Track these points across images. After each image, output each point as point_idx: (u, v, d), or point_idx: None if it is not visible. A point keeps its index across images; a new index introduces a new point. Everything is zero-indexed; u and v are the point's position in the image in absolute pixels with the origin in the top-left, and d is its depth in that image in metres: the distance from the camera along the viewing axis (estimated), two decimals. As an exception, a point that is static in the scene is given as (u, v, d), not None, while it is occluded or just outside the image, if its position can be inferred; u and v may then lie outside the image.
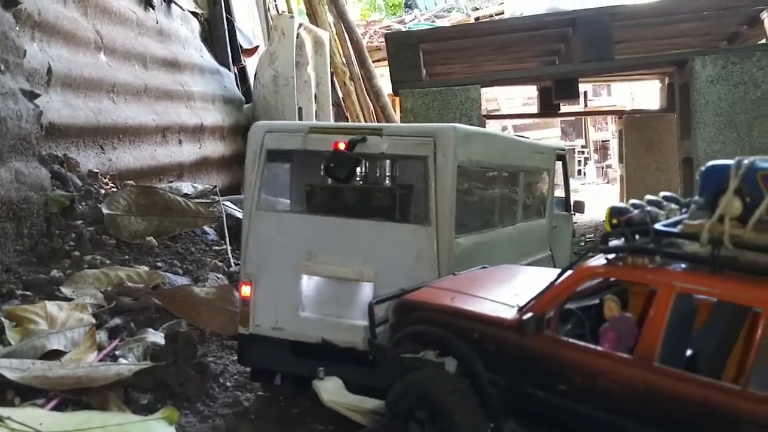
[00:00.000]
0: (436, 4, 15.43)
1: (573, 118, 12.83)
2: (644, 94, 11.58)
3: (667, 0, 3.58)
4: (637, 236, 0.99)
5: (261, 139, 1.47)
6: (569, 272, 1.03)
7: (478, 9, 13.35)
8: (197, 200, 2.61)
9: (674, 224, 0.97)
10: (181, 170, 3.66)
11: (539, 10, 5.26)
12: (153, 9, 3.91)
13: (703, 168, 0.96)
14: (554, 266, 1.62)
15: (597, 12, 3.53)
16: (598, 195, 11.32)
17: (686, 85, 3.60)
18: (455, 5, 14.63)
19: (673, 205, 1.04)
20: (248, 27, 6.44)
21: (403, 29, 13.05)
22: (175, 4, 4.32)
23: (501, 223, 1.40)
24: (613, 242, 1.00)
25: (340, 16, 7.18)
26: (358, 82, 7.24)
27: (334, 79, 7.24)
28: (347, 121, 7.65)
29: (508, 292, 1.15)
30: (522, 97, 13.14)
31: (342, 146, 1.34)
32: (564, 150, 1.90)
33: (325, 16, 6.97)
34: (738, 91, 3.42)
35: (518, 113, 10.58)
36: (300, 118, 4.73)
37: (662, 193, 1.09)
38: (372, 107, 7.11)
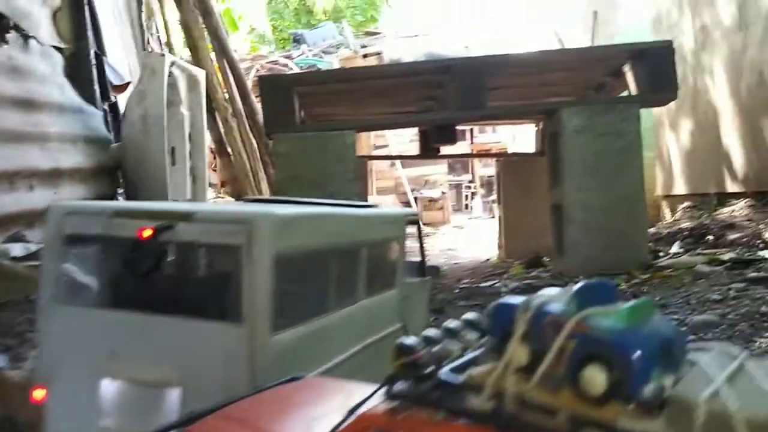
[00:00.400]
0: (324, 40, 15.44)
1: (452, 159, 13.07)
2: (525, 134, 12.01)
3: (539, 52, 3.71)
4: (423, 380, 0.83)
5: (59, 223, 1.31)
6: (351, 418, 0.83)
7: (365, 47, 13.50)
8: (30, 263, 2.35)
9: (464, 366, 0.82)
10: (32, 219, 3.38)
11: (418, 54, 5.33)
12: (6, 44, 3.63)
13: (492, 305, 0.83)
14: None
15: (471, 61, 3.59)
16: (483, 229, 11.54)
17: (555, 134, 3.69)
18: (344, 42, 14.72)
19: (472, 335, 0.92)
20: (124, 62, 6.17)
21: (290, 64, 12.97)
22: (34, 39, 4.04)
23: (338, 305, 1.29)
24: (399, 385, 0.83)
25: (222, 51, 7.01)
26: (241, 119, 7.07)
27: (216, 116, 7.05)
28: (230, 159, 7.46)
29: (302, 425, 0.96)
30: (411, 132, 13.34)
31: (147, 233, 1.19)
32: (416, 215, 1.84)
33: (206, 50, 6.80)
34: (602, 141, 3.53)
35: (398, 155, 10.68)
36: (172, 159, 4.52)
37: (465, 316, 0.95)
38: (255, 144, 6.96)
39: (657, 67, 3.61)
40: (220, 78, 7.24)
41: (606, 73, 4.10)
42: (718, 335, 2.10)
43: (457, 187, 24.81)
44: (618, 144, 3.51)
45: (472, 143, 24.42)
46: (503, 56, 3.98)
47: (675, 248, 4.12)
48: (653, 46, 3.74)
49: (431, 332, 0.87)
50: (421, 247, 1.80)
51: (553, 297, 0.80)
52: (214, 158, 8.15)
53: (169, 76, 4.59)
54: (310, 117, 4.65)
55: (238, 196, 7.23)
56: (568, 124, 3.55)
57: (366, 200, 5.38)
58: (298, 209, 1.28)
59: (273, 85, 3.58)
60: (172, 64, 4.83)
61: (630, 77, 3.83)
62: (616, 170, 3.50)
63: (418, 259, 1.81)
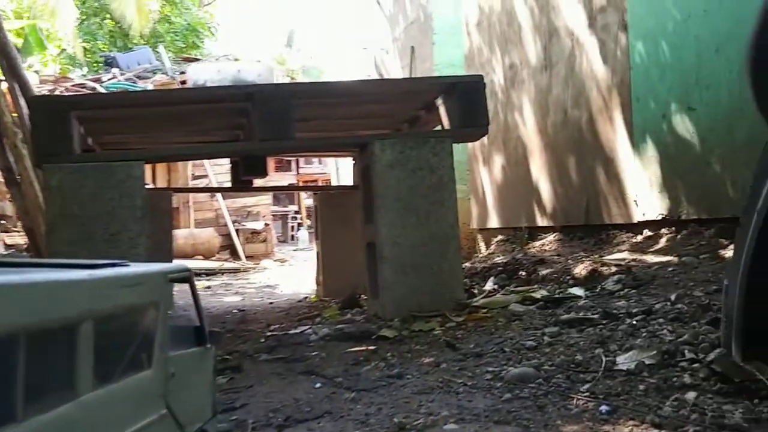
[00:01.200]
0: (139, 64, 14.59)
1: (267, 193, 12.76)
2: (347, 165, 11.96)
3: (350, 82, 3.53)
4: None
5: None
6: None
7: (184, 72, 12.86)
8: None
9: None
10: None
11: (224, 79, 4.98)
12: None
13: None
14: (177, 426, 1.18)
15: (275, 88, 3.30)
16: (308, 261, 11.31)
17: (368, 168, 3.47)
18: (161, 67, 13.98)
19: None
20: None
21: (99, 88, 12.05)
22: None
23: (36, 410, 0.88)
24: None
25: (12, 70, 6.28)
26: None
27: (4, 141, 6.27)
28: (19, 188, 6.65)
29: None
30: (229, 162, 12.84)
31: None
32: (186, 270, 1.29)
33: (-9, 69, 6.05)
34: (416, 176, 3.36)
35: (205, 187, 10.18)
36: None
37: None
38: (47, 174, 6.22)
39: (468, 102, 3.53)
40: (9, 100, 6.50)
41: (419, 106, 3.98)
42: (534, 390, 1.93)
43: (283, 217, 24.49)
44: (431, 179, 3.37)
45: (298, 174, 24.25)
46: (312, 84, 3.74)
47: (489, 284, 4.06)
48: (464, 80, 3.66)
49: None
50: (198, 309, 1.42)
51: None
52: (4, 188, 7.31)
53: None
54: (99, 145, 4.13)
55: (30, 232, 6.49)
56: (380, 158, 3.35)
57: (168, 239, 4.89)
58: None
59: (46, 108, 3.07)
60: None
61: (442, 111, 3.72)
62: (430, 206, 3.35)
63: (195, 324, 1.44)
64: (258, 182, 5.78)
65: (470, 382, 2.10)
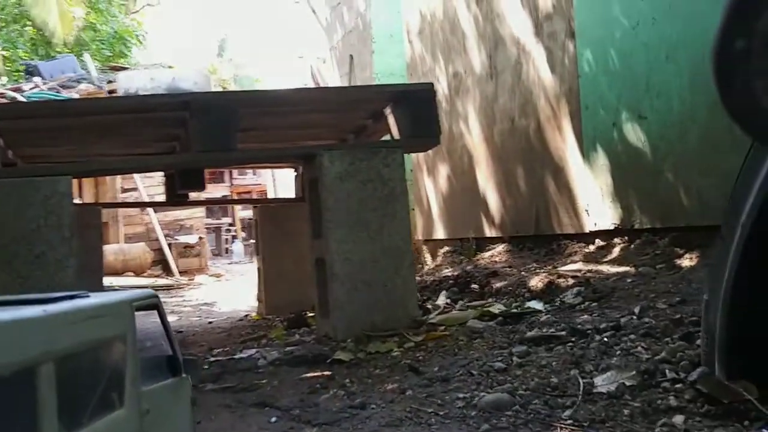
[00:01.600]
0: (63, 73, 13.99)
1: (202, 207, 12.42)
2: (287, 177, 11.72)
3: (293, 89, 3.36)
4: None
5: None
6: None
7: (112, 82, 12.35)
8: None
9: None
10: None
11: (158, 87, 4.72)
12: None
13: None
14: None
15: (214, 97, 3.10)
16: (244, 275, 11.05)
17: (315, 180, 3.29)
18: (87, 76, 13.42)
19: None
20: None
21: (19, 98, 11.46)
22: None
23: None
24: None
25: None
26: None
27: None
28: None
29: None
30: (162, 175, 12.42)
31: None
32: (153, 296, 1.15)
33: None
34: (367, 188, 3.21)
35: (141, 201, 9.78)
36: None
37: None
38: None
39: (419, 111, 3.40)
40: None
41: (366, 115, 3.83)
42: (512, 419, 1.79)
43: (217, 230, 23.97)
44: (383, 191, 3.22)
45: (231, 185, 23.77)
46: (254, 92, 3.55)
47: (442, 299, 3.93)
48: (414, 88, 3.54)
49: None
50: (169, 336, 1.25)
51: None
52: None
53: None
54: (21, 159, 3.81)
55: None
56: (329, 170, 3.18)
57: (97, 256, 4.59)
58: None
59: (-41, 118, 2.78)
60: None
61: (391, 120, 3.58)
62: (382, 220, 3.20)
63: (166, 353, 1.27)
64: (193, 195, 5.52)
65: (441, 411, 1.95)
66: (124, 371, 0.97)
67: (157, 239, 11.78)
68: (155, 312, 1.13)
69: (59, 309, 0.81)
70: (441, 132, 3.47)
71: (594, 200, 3.90)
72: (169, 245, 11.89)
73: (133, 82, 4.91)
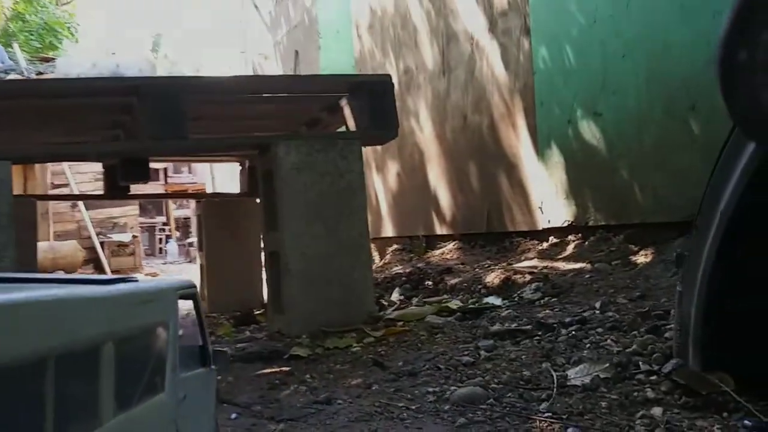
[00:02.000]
0: (-11, 63, 13.36)
1: (144, 200, 12.05)
2: (226, 174, 11.46)
3: (249, 77, 3.23)
4: None
5: None
6: None
7: (42, 73, 11.84)
8: None
9: None
10: None
11: (101, 74, 4.50)
12: None
13: None
14: None
15: (166, 81, 2.95)
16: (181, 274, 10.70)
17: (270, 172, 3.18)
18: (15, 67, 12.85)
19: None
20: None
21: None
22: None
23: None
24: None
25: None
26: None
27: None
28: None
29: None
30: (95, 170, 11.98)
31: None
32: (192, 286, 1.15)
33: None
34: (325, 181, 3.12)
35: (80, 194, 9.41)
36: None
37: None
38: None
39: (377, 103, 3.33)
40: None
41: (321, 107, 3.73)
42: (488, 413, 1.73)
43: (151, 229, 23.35)
44: (340, 184, 3.13)
45: (165, 184, 23.21)
46: (208, 79, 3.41)
47: (395, 295, 3.87)
48: (372, 79, 3.46)
49: None
50: (202, 327, 1.22)
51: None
52: None
53: None
54: (-49, 144, 3.56)
55: None
56: (285, 161, 3.08)
57: (32, 251, 4.34)
58: None
59: None
60: None
61: (347, 112, 3.50)
62: (339, 213, 3.11)
63: (197, 343, 1.25)
64: (133, 190, 5.30)
65: (413, 405, 1.88)
66: (166, 356, 0.98)
67: (89, 237, 11.35)
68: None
69: (120, 290, 0.83)
70: (399, 125, 3.41)
71: (548, 197, 3.91)
72: (102, 243, 11.47)
73: (72, 67, 4.67)
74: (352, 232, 3.17)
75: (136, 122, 3.27)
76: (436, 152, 5.00)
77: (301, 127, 4.06)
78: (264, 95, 3.53)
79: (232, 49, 11.69)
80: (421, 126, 5.17)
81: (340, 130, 3.81)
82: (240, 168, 5.41)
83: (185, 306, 1.12)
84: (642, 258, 3.22)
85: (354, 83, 3.50)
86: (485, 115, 4.43)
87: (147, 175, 3.77)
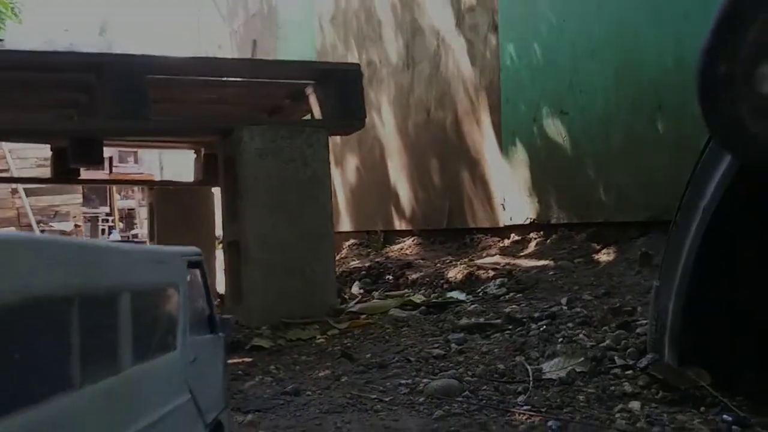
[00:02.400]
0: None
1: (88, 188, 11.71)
2: (176, 163, 11.17)
3: (217, 59, 3.12)
4: None
5: None
6: None
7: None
8: None
9: None
10: None
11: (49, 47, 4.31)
12: None
13: None
14: (199, 413, 1.03)
15: (129, 59, 2.82)
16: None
17: (232, 158, 3.09)
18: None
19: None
20: None
21: None
22: None
23: (87, 379, 0.67)
24: None
25: None
26: None
27: None
28: None
29: None
30: (37, 155, 11.57)
31: None
32: (199, 255, 1.16)
33: None
34: (289, 168, 3.04)
35: (26, 177, 9.07)
36: None
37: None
38: None
39: (345, 92, 3.26)
40: None
41: (285, 94, 3.65)
42: (465, 405, 1.69)
43: (93, 219, 22.73)
44: (305, 173, 3.06)
45: (111, 173, 22.64)
46: (172, 58, 3.28)
47: (356, 289, 3.82)
48: (341, 67, 3.40)
49: None
50: (208, 295, 1.20)
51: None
52: None
53: None
54: None
55: None
56: (248, 146, 2.99)
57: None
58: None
59: None
60: None
61: (313, 100, 3.42)
62: (303, 202, 3.04)
63: (204, 311, 1.23)
64: (82, 176, 5.11)
65: (386, 397, 1.82)
66: (178, 317, 1.01)
67: (29, 225, 10.97)
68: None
69: (134, 247, 0.86)
70: (366, 115, 3.35)
71: (510, 195, 3.91)
72: (42, 232, 11.09)
73: (24, 44, 4.46)
74: (315, 222, 3.10)
75: (93, 101, 3.12)
76: (397, 147, 4.95)
77: (263, 114, 3.97)
78: (230, 78, 3.43)
79: (184, 38, 11.43)
80: (383, 120, 5.12)
81: (305, 118, 3.74)
82: (195, 155, 5.27)
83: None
84: (605, 256, 3.23)
85: (322, 71, 3.43)
86: (449, 110, 4.41)
87: (101, 158, 3.61)
